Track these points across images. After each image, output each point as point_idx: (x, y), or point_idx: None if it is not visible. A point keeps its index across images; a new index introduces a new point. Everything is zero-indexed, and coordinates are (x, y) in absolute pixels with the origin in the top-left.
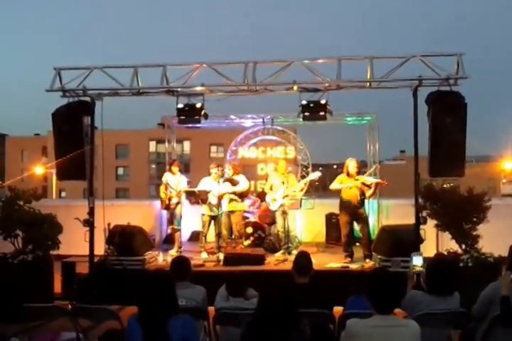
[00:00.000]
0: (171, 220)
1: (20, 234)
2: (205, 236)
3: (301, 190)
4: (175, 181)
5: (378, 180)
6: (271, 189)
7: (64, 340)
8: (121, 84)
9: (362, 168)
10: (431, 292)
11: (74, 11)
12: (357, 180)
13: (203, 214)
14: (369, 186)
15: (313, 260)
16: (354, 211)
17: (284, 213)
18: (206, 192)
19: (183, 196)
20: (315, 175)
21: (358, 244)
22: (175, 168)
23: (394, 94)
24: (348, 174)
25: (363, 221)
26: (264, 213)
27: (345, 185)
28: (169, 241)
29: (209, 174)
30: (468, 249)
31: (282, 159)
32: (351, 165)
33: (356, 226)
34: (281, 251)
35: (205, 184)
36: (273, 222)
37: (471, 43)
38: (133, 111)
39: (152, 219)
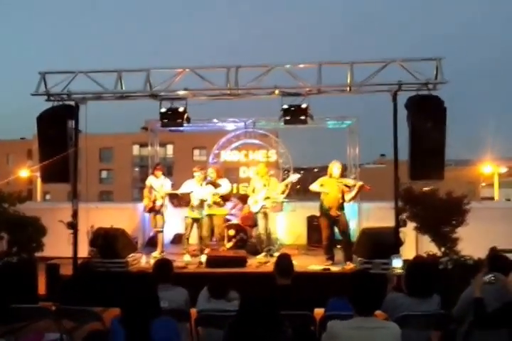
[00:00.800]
0: (154, 222)
1: (5, 236)
2: (188, 239)
3: (282, 192)
4: (158, 184)
5: (361, 183)
6: (253, 191)
7: None
8: (105, 88)
9: (343, 171)
10: (411, 294)
11: (59, 15)
12: (340, 182)
13: (186, 217)
14: (350, 188)
15: (294, 262)
16: (334, 212)
17: (266, 215)
18: (189, 195)
19: (166, 199)
20: (294, 177)
21: (338, 246)
22: (158, 172)
23: (374, 99)
24: (330, 176)
25: (343, 224)
26: (247, 215)
27: (324, 189)
28: (152, 243)
29: (192, 177)
30: (447, 252)
31: (262, 162)
32: (335, 167)
33: (337, 229)
34: (263, 253)
35: (188, 186)
36: (255, 225)
37: (452, 46)
38: (117, 115)
39: (135, 221)
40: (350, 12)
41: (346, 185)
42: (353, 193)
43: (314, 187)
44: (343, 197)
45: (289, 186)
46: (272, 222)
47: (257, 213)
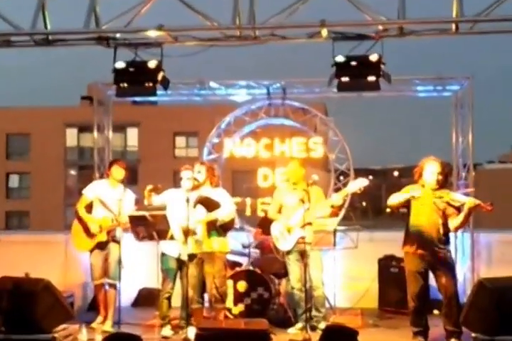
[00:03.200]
0: (102, 269)
1: None
2: (168, 298)
3: (335, 213)
4: (115, 196)
5: (477, 202)
6: (280, 212)
7: None
8: (19, 28)
9: (447, 176)
10: None
11: None
12: (440, 197)
13: (163, 255)
14: (458, 209)
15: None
16: (431, 250)
17: (304, 256)
18: (165, 218)
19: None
20: (358, 184)
21: (436, 311)
22: (118, 172)
23: (496, 48)
24: (423, 186)
25: (447, 270)
26: (269, 256)
27: (412, 193)
28: (98, 305)
29: (177, 185)
30: None
31: (296, 159)
32: (430, 168)
33: (434, 281)
34: (300, 324)
35: (166, 197)
36: (285, 273)
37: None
38: (39, 77)
39: (70, 265)
40: None
41: (450, 204)
42: (462, 216)
43: (394, 198)
44: (445, 224)
45: (347, 201)
46: (317, 267)
47: (289, 253)
